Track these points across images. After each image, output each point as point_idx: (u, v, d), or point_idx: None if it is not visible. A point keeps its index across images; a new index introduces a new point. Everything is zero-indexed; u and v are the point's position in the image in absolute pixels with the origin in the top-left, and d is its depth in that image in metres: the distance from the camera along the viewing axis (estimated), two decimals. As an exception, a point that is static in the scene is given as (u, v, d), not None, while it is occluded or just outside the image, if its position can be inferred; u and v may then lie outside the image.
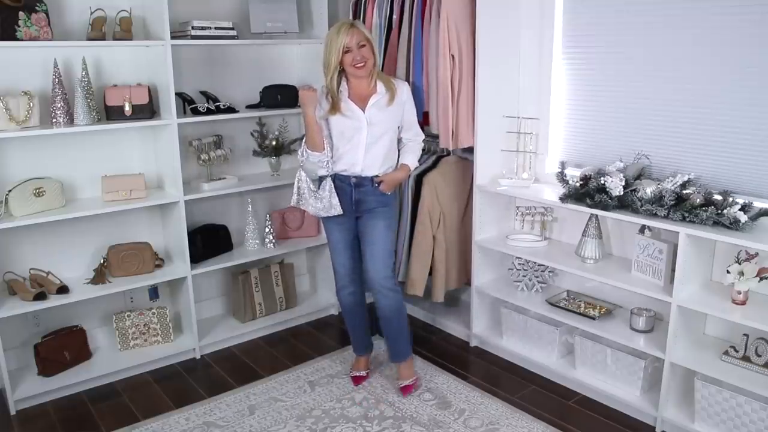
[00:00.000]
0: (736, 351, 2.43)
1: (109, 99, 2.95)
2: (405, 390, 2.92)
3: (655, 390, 2.69)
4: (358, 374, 3.04)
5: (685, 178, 2.52)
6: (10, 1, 2.58)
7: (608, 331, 2.76)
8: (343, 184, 2.72)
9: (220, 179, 3.37)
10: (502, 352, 3.28)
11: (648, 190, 2.54)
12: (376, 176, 2.72)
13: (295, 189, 2.79)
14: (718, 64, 2.48)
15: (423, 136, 2.88)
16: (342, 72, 2.64)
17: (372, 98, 2.65)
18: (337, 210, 2.70)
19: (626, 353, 2.73)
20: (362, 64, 2.58)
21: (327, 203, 2.70)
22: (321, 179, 2.73)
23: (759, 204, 2.38)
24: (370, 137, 2.66)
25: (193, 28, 3.07)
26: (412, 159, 2.82)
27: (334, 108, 2.63)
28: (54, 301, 2.87)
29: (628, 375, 2.74)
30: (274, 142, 3.49)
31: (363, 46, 2.57)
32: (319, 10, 3.54)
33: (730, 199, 2.38)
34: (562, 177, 2.83)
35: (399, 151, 2.83)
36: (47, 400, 2.93)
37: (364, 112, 2.64)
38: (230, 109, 3.31)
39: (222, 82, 3.47)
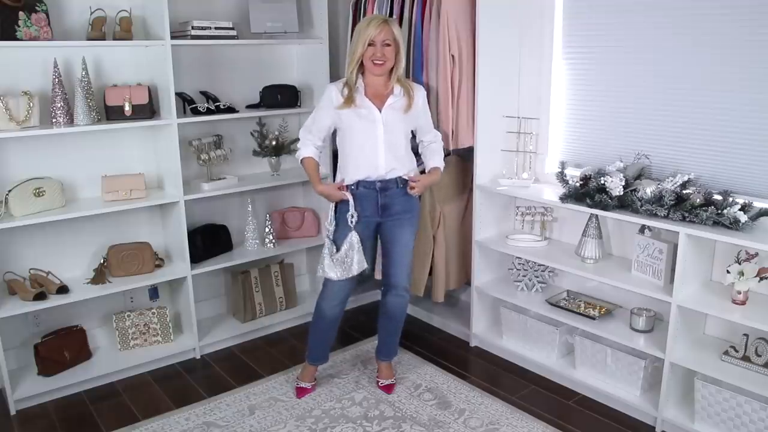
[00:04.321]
0: (736, 351, 2.44)
1: (109, 99, 2.95)
2: (390, 389, 2.95)
3: (655, 390, 2.69)
4: (305, 385, 2.94)
5: (685, 178, 2.52)
6: (10, 1, 2.58)
7: (608, 331, 2.76)
8: (368, 191, 2.65)
9: (220, 179, 3.36)
10: (502, 352, 3.28)
11: (648, 190, 2.54)
12: (400, 177, 2.67)
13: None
14: (718, 63, 2.48)
15: (440, 135, 2.87)
16: (360, 67, 2.59)
17: (389, 99, 2.61)
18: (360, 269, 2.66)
19: (626, 353, 2.73)
20: (381, 63, 2.53)
21: (348, 264, 2.64)
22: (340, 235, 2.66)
23: (759, 204, 2.38)
24: (386, 137, 2.61)
25: (193, 28, 3.07)
26: (439, 160, 2.81)
27: (349, 101, 2.57)
28: (54, 301, 2.87)
29: (628, 375, 2.74)
30: (274, 142, 3.49)
31: (387, 45, 2.52)
32: (319, 10, 3.54)
33: (730, 199, 2.38)
34: (562, 177, 2.83)
35: (422, 154, 2.83)
36: (47, 400, 2.93)
37: (380, 111, 2.60)
38: (230, 109, 3.31)
39: (222, 82, 3.47)
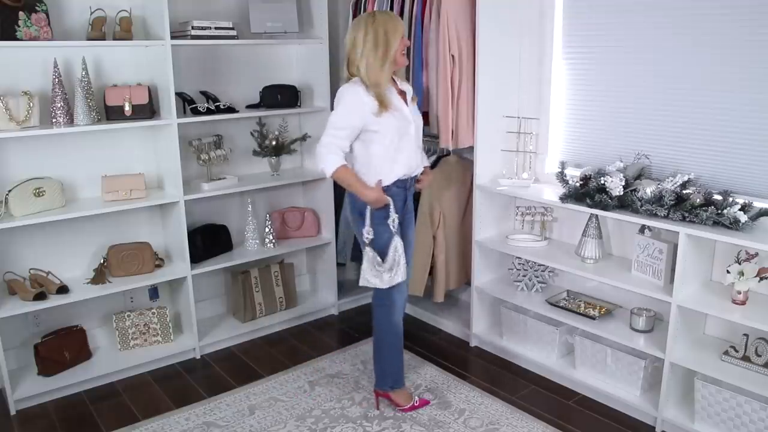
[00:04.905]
0: (736, 351, 2.44)
1: (109, 99, 2.95)
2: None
3: (655, 390, 2.69)
4: (415, 402, 2.81)
5: (685, 178, 2.52)
6: (10, 1, 2.58)
7: (608, 331, 2.76)
8: (400, 190, 2.55)
9: (220, 179, 3.36)
10: (502, 352, 3.28)
11: (648, 190, 2.54)
12: (415, 175, 2.65)
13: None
14: (718, 63, 2.48)
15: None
16: None
17: (407, 96, 2.57)
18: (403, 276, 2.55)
19: (626, 353, 2.73)
20: (404, 54, 2.48)
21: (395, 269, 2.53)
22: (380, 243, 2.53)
23: (759, 204, 2.38)
24: (416, 134, 2.56)
25: (193, 28, 3.07)
26: (425, 159, 2.80)
27: (387, 104, 2.40)
28: (54, 301, 2.87)
29: (628, 375, 2.74)
30: (274, 142, 3.49)
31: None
32: (319, 10, 3.54)
33: (730, 199, 2.38)
34: (562, 177, 2.83)
35: None
36: (47, 400, 2.93)
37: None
38: (230, 109, 3.30)
39: (222, 82, 3.47)
